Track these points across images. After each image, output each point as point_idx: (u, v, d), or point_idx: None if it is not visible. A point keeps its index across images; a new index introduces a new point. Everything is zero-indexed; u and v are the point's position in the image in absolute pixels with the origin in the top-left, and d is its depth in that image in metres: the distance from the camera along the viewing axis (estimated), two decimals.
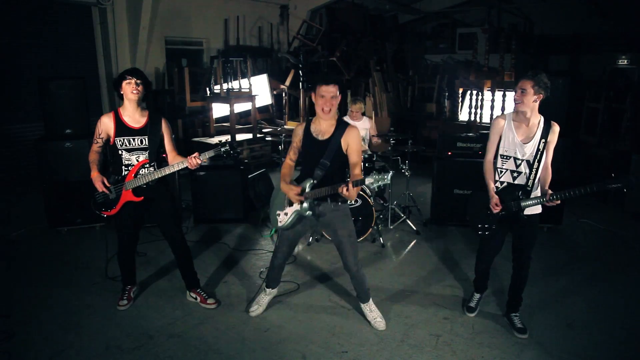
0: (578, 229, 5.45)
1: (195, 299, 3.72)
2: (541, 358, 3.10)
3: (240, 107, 8.31)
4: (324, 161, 3.09)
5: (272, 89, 9.24)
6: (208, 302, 3.68)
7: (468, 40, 10.89)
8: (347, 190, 2.82)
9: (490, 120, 7.78)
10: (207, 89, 8.20)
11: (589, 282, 4.16)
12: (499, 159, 3.24)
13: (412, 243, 5.04)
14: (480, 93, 7.95)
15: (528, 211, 3.16)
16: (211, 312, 3.61)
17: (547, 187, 3.10)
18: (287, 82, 8.94)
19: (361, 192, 4.80)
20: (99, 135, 3.39)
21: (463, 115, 8.54)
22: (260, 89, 8.85)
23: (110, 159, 3.48)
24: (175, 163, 3.38)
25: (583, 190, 2.89)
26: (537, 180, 3.16)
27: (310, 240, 4.91)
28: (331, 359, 3.08)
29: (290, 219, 3.22)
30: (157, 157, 3.50)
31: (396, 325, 3.45)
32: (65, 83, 5.10)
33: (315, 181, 3.11)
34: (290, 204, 3.22)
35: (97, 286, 3.99)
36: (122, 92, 3.34)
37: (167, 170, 3.38)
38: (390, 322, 3.49)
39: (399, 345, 3.22)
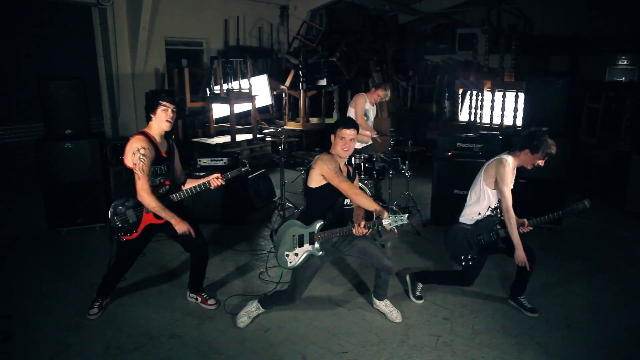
0: (578, 230, 5.45)
1: (196, 299, 3.72)
2: (541, 358, 3.10)
3: (240, 107, 8.30)
4: (339, 202, 3.23)
5: (272, 89, 9.24)
6: (208, 302, 3.68)
7: (468, 41, 10.88)
8: (361, 228, 2.99)
9: (490, 122, 7.80)
10: (207, 89, 8.19)
11: (589, 282, 4.16)
12: (488, 210, 3.53)
13: (412, 244, 5.04)
14: (480, 93, 7.95)
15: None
16: (211, 313, 3.61)
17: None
18: (287, 83, 8.93)
19: None
20: (147, 165, 3.20)
21: (463, 116, 8.55)
22: (260, 89, 8.85)
23: (127, 180, 3.36)
24: (200, 184, 3.38)
25: (550, 217, 3.38)
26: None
27: None
28: (331, 359, 3.08)
29: (301, 260, 3.25)
30: (173, 178, 3.51)
31: (396, 325, 3.46)
32: (65, 83, 5.10)
33: (325, 222, 3.20)
34: (301, 244, 3.24)
35: (97, 286, 3.98)
36: (152, 116, 3.27)
37: (191, 192, 3.40)
38: (390, 322, 3.49)
39: (399, 346, 3.22)
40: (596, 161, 6.94)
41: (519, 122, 7.18)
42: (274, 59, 10.32)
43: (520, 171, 3.57)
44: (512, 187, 3.43)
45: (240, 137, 8.04)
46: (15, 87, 7.13)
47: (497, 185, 3.43)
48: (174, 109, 3.30)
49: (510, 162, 3.42)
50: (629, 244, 5.06)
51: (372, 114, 5.69)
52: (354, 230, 3.05)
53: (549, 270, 4.39)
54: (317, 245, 3.20)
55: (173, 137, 5.43)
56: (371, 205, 3.13)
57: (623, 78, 11.05)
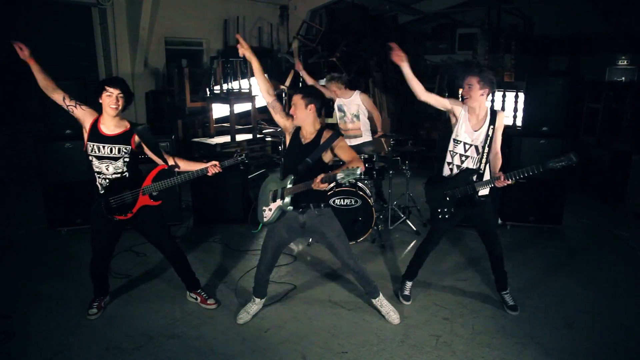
0: (578, 229, 5.45)
1: (196, 299, 3.72)
2: (541, 358, 3.10)
3: (240, 107, 8.31)
4: (307, 160, 3.16)
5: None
6: (208, 302, 3.68)
7: (468, 41, 10.88)
8: (319, 182, 2.92)
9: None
10: (207, 89, 8.19)
11: (589, 282, 4.16)
12: (451, 142, 3.47)
13: (412, 243, 5.04)
14: None
15: (480, 192, 3.40)
16: (211, 313, 3.61)
17: (496, 170, 3.37)
18: (287, 83, 8.92)
19: (361, 193, 4.81)
20: (75, 108, 3.29)
21: None
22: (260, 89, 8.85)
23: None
24: (198, 170, 3.36)
25: (530, 171, 3.09)
26: (487, 164, 3.39)
27: (311, 240, 4.91)
28: (331, 359, 3.08)
29: (273, 214, 3.25)
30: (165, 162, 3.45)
31: (396, 325, 3.46)
32: (65, 83, 5.05)
33: (295, 177, 3.15)
34: (274, 199, 3.26)
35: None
36: (100, 100, 3.23)
37: (191, 176, 3.37)
38: (389, 322, 3.49)
39: (399, 346, 3.22)
40: (596, 161, 6.94)
41: (519, 122, 7.18)
42: (273, 59, 10.32)
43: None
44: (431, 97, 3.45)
45: (240, 137, 8.04)
46: (16, 87, 7.13)
47: (454, 129, 3.44)
48: (120, 95, 3.22)
49: (465, 107, 3.42)
50: (629, 244, 5.06)
51: (350, 108, 5.51)
52: (312, 185, 2.96)
53: (549, 270, 4.39)
54: (286, 200, 3.15)
55: (173, 136, 5.46)
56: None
57: (623, 78, 11.04)
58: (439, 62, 11.68)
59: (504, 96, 7.53)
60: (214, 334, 3.34)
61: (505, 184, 3.24)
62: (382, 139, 5.72)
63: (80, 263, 4.46)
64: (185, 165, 3.45)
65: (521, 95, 7.00)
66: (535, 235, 5.23)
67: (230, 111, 7.78)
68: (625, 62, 11.17)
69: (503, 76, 7.73)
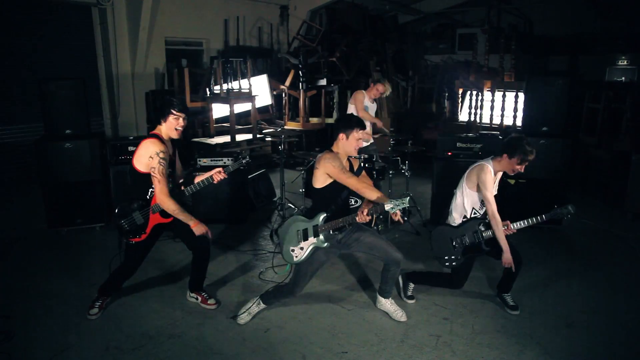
0: (578, 230, 5.45)
1: (196, 299, 3.72)
2: (541, 358, 3.10)
3: (240, 107, 8.29)
4: (343, 195, 3.26)
5: (272, 89, 9.23)
6: (208, 302, 3.68)
7: (468, 41, 10.88)
8: (364, 215, 3.03)
9: (490, 122, 7.80)
10: (207, 89, 8.18)
11: (589, 282, 4.16)
12: (480, 204, 3.58)
13: (412, 244, 5.04)
14: (480, 93, 7.95)
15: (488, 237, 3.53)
16: (211, 313, 3.61)
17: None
18: (287, 83, 8.93)
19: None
20: (166, 168, 3.23)
21: (463, 116, 8.54)
22: (260, 89, 8.84)
23: (132, 183, 3.36)
24: (203, 179, 3.39)
25: (533, 220, 3.42)
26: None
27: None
28: (331, 359, 3.08)
29: (307, 253, 3.26)
30: (174, 178, 3.51)
31: (396, 325, 3.46)
32: (65, 83, 5.10)
33: (328, 214, 3.22)
34: (306, 238, 3.26)
35: (97, 286, 3.97)
36: (162, 122, 3.27)
37: (196, 188, 3.40)
38: (390, 322, 3.49)
39: (399, 346, 3.22)
40: (596, 161, 6.94)
41: (519, 122, 7.18)
42: (273, 59, 10.32)
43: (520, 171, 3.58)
44: (495, 192, 3.50)
45: (240, 137, 8.03)
46: (15, 87, 7.12)
47: (481, 192, 3.49)
48: (185, 118, 3.30)
49: (491, 168, 3.47)
50: (629, 243, 5.06)
51: (372, 111, 5.67)
52: (357, 218, 3.06)
53: (549, 270, 4.39)
54: (321, 237, 3.22)
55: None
56: (376, 195, 3.14)
57: (623, 78, 11.04)
58: (439, 62, 11.69)
59: (504, 96, 7.52)
60: (214, 334, 3.34)
61: (511, 233, 3.47)
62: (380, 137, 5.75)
63: (80, 263, 4.46)
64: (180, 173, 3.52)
65: (521, 95, 7.00)
66: (535, 235, 5.23)
67: (230, 111, 7.77)
68: (625, 62, 11.17)
69: (503, 76, 7.72)
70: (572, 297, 3.91)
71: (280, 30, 10.61)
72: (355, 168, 3.41)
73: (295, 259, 3.29)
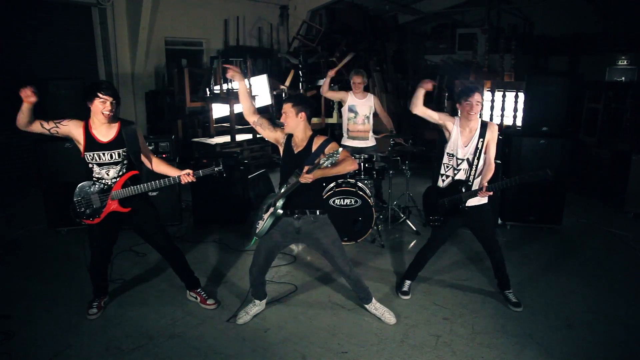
0: (578, 229, 5.45)
1: (195, 299, 3.72)
2: (541, 358, 3.10)
3: (240, 107, 8.29)
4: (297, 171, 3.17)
5: (272, 89, 9.23)
6: (208, 302, 3.68)
7: (468, 41, 10.88)
8: (305, 173, 2.96)
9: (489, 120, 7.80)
10: (207, 89, 8.19)
11: (588, 282, 4.16)
12: (445, 156, 3.60)
13: (412, 243, 5.04)
14: None
15: (470, 202, 3.51)
16: (211, 313, 3.61)
17: (484, 181, 3.39)
18: (287, 83, 8.93)
19: (361, 193, 4.81)
20: (58, 128, 3.31)
21: None
22: (260, 89, 8.85)
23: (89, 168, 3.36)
24: (170, 177, 3.35)
25: (509, 183, 3.34)
26: (477, 175, 3.50)
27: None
28: (331, 359, 3.08)
29: (266, 223, 3.23)
30: (139, 167, 3.46)
31: (396, 325, 3.46)
32: (65, 83, 5.10)
33: (287, 185, 3.18)
34: (267, 210, 3.26)
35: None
36: (90, 105, 3.21)
37: (161, 184, 3.35)
38: (386, 323, 3.49)
39: (399, 346, 3.22)
40: (596, 161, 6.94)
41: (519, 122, 7.18)
42: (273, 58, 10.32)
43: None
44: (466, 142, 3.49)
45: (240, 137, 8.05)
46: (15, 87, 7.11)
47: (446, 144, 3.57)
48: (113, 102, 3.21)
49: (457, 122, 3.53)
50: (629, 243, 5.06)
51: (362, 108, 5.48)
52: (300, 179, 3.00)
53: (549, 270, 4.39)
54: (278, 204, 3.17)
55: (173, 136, 5.46)
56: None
57: (623, 78, 11.05)
58: (439, 62, 11.69)
59: (504, 96, 7.53)
60: (214, 334, 3.34)
61: (487, 195, 3.39)
62: (387, 115, 5.67)
63: (80, 263, 4.46)
64: (164, 169, 3.45)
65: (521, 95, 7.00)
66: (535, 235, 5.23)
67: (230, 111, 7.78)
68: (625, 62, 11.18)
69: (503, 76, 7.73)
70: (572, 297, 3.91)
71: (280, 30, 10.61)
72: (315, 147, 3.21)
73: (257, 231, 3.28)
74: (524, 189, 5.19)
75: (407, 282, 3.92)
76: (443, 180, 3.62)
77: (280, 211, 3.18)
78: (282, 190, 3.18)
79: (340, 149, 2.96)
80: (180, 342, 3.24)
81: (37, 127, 3.33)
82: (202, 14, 9.11)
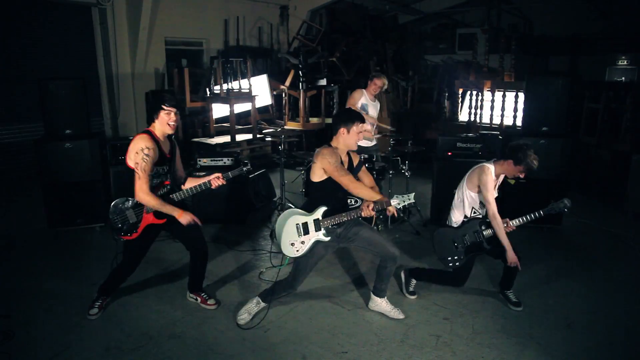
0: (578, 230, 5.45)
1: (196, 299, 3.72)
2: (541, 358, 3.10)
3: (240, 107, 8.30)
4: (341, 193, 3.26)
5: (272, 89, 9.24)
6: (208, 302, 3.68)
7: (468, 41, 10.88)
8: (369, 210, 3.06)
9: (490, 122, 7.80)
10: (207, 89, 8.19)
11: (588, 282, 4.16)
12: (478, 205, 3.65)
13: (412, 244, 5.04)
14: (480, 93, 7.95)
15: (487, 234, 3.60)
16: (211, 313, 3.61)
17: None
18: (287, 83, 8.93)
19: None
20: (150, 165, 3.18)
21: (463, 116, 8.55)
22: (260, 89, 8.85)
23: (129, 181, 3.32)
24: (201, 183, 3.38)
25: (532, 216, 3.52)
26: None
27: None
28: (331, 359, 3.08)
29: (308, 247, 3.26)
30: (174, 178, 3.51)
31: (396, 325, 3.46)
32: (65, 83, 5.10)
33: (328, 208, 3.23)
34: (306, 232, 3.25)
35: (97, 286, 3.97)
36: (156, 119, 3.24)
37: (192, 191, 3.40)
38: (390, 322, 3.49)
39: (399, 346, 3.22)
40: (596, 161, 6.94)
41: (519, 122, 7.18)
42: (273, 58, 10.33)
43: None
44: (496, 194, 3.54)
45: (240, 137, 8.04)
46: (15, 87, 7.12)
47: (481, 193, 3.54)
48: (177, 112, 3.28)
49: (492, 171, 3.52)
50: (629, 243, 5.06)
51: (372, 109, 5.55)
52: (362, 213, 3.07)
53: (549, 270, 4.39)
54: (323, 231, 3.22)
55: (173, 136, 5.45)
56: (373, 196, 3.16)
57: (623, 78, 11.05)
58: (438, 63, 11.69)
59: (504, 96, 7.53)
60: (214, 334, 3.34)
61: (510, 230, 3.53)
62: (380, 138, 5.71)
63: (80, 263, 4.46)
64: (191, 182, 3.51)
65: (521, 95, 7.00)
66: (535, 235, 5.23)
67: (230, 111, 7.78)
68: (625, 62, 11.17)
69: (503, 76, 7.72)
70: (572, 297, 3.91)
71: (280, 30, 10.61)
72: (355, 163, 3.40)
73: (296, 253, 3.27)
74: (524, 189, 5.19)
75: (414, 282, 3.93)
76: (458, 221, 3.67)
77: (328, 239, 3.25)
78: (323, 216, 3.22)
79: (413, 194, 3.07)
80: (180, 342, 3.24)
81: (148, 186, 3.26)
82: (202, 14, 9.11)
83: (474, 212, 3.64)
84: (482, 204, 3.59)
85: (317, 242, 3.27)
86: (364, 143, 5.45)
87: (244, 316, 3.46)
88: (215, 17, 9.35)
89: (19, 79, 7.12)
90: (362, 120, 3.28)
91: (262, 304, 3.52)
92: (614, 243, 5.12)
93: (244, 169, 3.39)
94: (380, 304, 3.58)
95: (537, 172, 4.82)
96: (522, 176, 3.49)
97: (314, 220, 3.24)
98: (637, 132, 6.65)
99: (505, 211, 5.33)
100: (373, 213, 3.08)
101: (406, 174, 5.65)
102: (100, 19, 7.94)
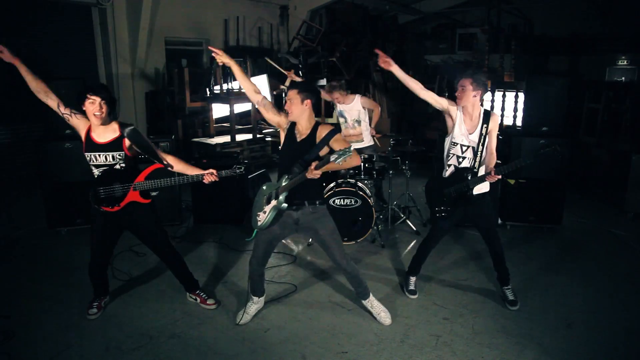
0: (578, 229, 5.45)
1: (195, 300, 3.72)
2: (541, 358, 3.10)
3: (240, 107, 8.30)
4: (307, 156, 3.12)
5: (272, 89, 9.23)
6: (208, 302, 3.68)
7: (468, 41, 10.88)
8: (313, 169, 2.92)
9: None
10: (207, 89, 8.19)
11: (588, 282, 4.16)
12: (449, 144, 3.59)
13: (412, 243, 5.04)
14: None
15: (476, 190, 3.51)
16: (211, 313, 3.61)
17: (490, 167, 3.43)
18: (287, 83, 8.90)
19: (361, 193, 4.81)
20: (70, 117, 3.32)
21: None
22: (260, 89, 8.84)
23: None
24: (194, 175, 3.34)
25: (520, 162, 3.37)
26: (481, 163, 3.50)
27: (310, 240, 4.91)
28: (331, 359, 3.08)
29: (268, 216, 3.19)
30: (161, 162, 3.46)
31: (396, 325, 3.46)
32: (65, 83, 5.09)
33: (290, 176, 3.12)
34: (268, 202, 3.21)
35: None
36: (83, 109, 3.23)
37: (183, 180, 3.36)
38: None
39: (399, 345, 3.22)
40: (596, 161, 6.94)
41: (519, 122, 7.18)
42: (273, 58, 10.32)
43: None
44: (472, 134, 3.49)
45: (240, 137, 8.04)
46: (15, 87, 7.11)
47: (450, 134, 3.56)
48: (103, 102, 3.20)
49: (460, 109, 3.53)
50: (629, 243, 5.06)
51: (350, 114, 5.48)
52: (307, 174, 2.96)
53: (549, 270, 4.39)
54: (281, 197, 3.12)
55: (173, 136, 5.46)
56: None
57: (623, 78, 11.03)
58: (439, 62, 11.69)
59: (504, 96, 7.53)
60: (214, 334, 3.34)
61: (496, 179, 3.39)
62: (378, 136, 5.72)
63: (80, 263, 4.46)
64: (182, 167, 3.41)
65: (521, 95, 7.00)
66: (535, 235, 5.23)
67: (230, 111, 7.78)
68: (625, 62, 11.15)
69: (503, 76, 7.73)
70: (572, 297, 3.91)
71: (280, 30, 10.61)
72: (320, 137, 3.17)
73: (259, 224, 3.24)
74: (524, 189, 5.19)
75: (413, 280, 3.92)
76: (446, 170, 3.61)
77: (284, 205, 3.13)
78: (285, 183, 3.12)
79: (352, 147, 2.90)
80: (180, 342, 3.24)
81: (53, 103, 3.36)
82: (202, 14, 9.11)
83: (455, 158, 3.55)
84: (454, 144, 3.54)
85: (276, 211, 3.17)
86: (356, 145, 5.47)
87: (242, 315, 3.47)
88: (215, 17, 9.35)
89: (19, 79, 7.10)
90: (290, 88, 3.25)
91: (256, 299, 3.52)
92: (614, 243, 5.12)
93: (237, 170, 3.34)
94: (366, 306, 3.55)
95: (536, 172, 4.85)
96: (459, 95, 3.44)
97: (275, 189, 3.19)
98: (637, 132, 6.65)
99: (505, 211, 5.37)
100: (317, 173, 2.94)
101: (406, 174, 5.65)
102: (100, 19, 7.94)
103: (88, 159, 3.30)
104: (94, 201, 3.31)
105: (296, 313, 3.62)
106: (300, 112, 3.17)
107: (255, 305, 3.54)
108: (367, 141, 5.59)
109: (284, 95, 8.73)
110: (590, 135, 7.22)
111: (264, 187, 3.33)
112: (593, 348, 3.21)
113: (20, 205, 6.28)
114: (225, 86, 8.03)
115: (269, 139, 8.20)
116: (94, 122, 3.26)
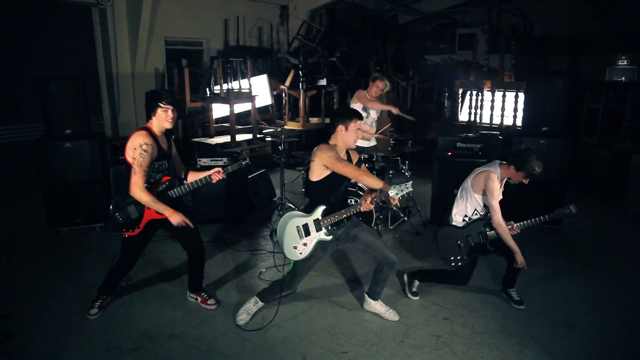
0: (578, 229, 5.45)
1: (196, 299, 3.72)
2: (541, 358, 3.10)
3: (240, 107, 8.30)
4: (343, 188, 3.22)
5: (272, 89, 9.23)
6: (208, 302, 3.68)
7: (468, 41, 10.88)
8: (368, 203, 3.01)
9: (490, 122, 7.80)
10: (207, 89, 8.19)
11: (588, 283, 4.16)
12: (480, 207, 3.66)
13: (412, 243, 5.04)
14: (480, 93, 7.95)
15: (491, 237, 3.62)
16: (211, 313, 3.61)
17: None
18: (287, 83, 8.93)
19: (361, 193, 4.81)
20: (147, 161, 3.21)
21: (463, 116, 8.55)
22: (260, 89, 8.85)
23: (127, 177, 3.31)
24: (201, 178, 3.39)
25: (537, 220, 3.49)
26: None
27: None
28: (331, 359, 3.08)
29: (311, 249, 3.22)
30: (174, 174, 3.53)
31: (396, 325, 3.46)
32: (65, 83, 5.10)
33: (327, 207, 3.19)
34: (307, 233, 3.21)
35: (97, 286, 3.98)
36: (152, 116, 3.28)
37: (192, 186, 3.40)
38: (390, 322, 3.49)
39: (399, 345, 3.22)
40: (596, 161, 6.94)
41: (519, 122, 7.18)
42: (273, 59, 10.32)
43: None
44: (500, 197, 3.54)
45: (240, 137, 8.04)
46: (15, 87, 7.12)
47: (486, 198, 3.57)
48: (174, 109, 3.31)
49: (498, 176, 3.53)
50: (629, 243, 5.06)
51: (373, 111, 5.61)
52: (361, 207, 3.03)
53: (549, 270, 4.39)
54: (324, 230, 3.18)
55: (173, 137, 5.45)
56: (377, 183, 3.07)
57: (623, 78, 11.03)
58: (439, 62, 11.69)
59: (504, 96, 7.53)
60: (214, 334, 3.34)
61: (515, 233, 3.53)
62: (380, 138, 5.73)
63: (80, 263, 4.46)
64: (192, 176, 3.50)
65: (521, 95, 7.00)
66: (535, 235, 5.23)
67: (230, 111, 7.77)
68: (625, 62, 11.15)
69: (503, 76, 7.73)
70: (572, 297, 3.91)
71: (280, 30, 10.61)
72: (354, 161, 3.34)
73: (300, 256, 3.23)
74: (524, 189, 5.18)
75: (417, 283, 3.93)
76: (463, 222, 3.68)
77: (330, 237, 3.21)
78: (323, 215, 3.17)
79: (410, 182, 2.99)
80: (180, 342, 3.24)
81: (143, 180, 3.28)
82: (202, 14, 9.10)
83: (475, 213, 3.65)
84: (485, 207, 3.62)
85: (319, 243, 3.24)
86: (363, 143, 5.45)
87: (242, 316, 3.46)
88: (215, 17, 9.35)
89: (19, 79, 7.12)
90: (360, 118, 3.23)
91: (260, 304, 3.51)
92: (614, 243, 5.12)
93: (243, 162, 3.41)
94: (375, 306, 3.58)
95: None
96: (525, 181, 3.49)
97: (314, 220, 3.20)
98: (637, 132, 6.65)
99: (504, 211, 5.36)
100: (372, 206, 3.02)
101: (406, 174, 5.65)
102: (100, 19, 7.94)
103: (157, 167, 3.33)
104: (113, 229, 3.34)
105: (296, 313, 3.62)
106: (343, 138, 3.22)
107: (255, 305, 3.54)
108: (373, 142, 5.60)
109: (283, 95, 8.78)
110: (590, 135, 7.22)
111: (292, 218, 3.26)
112: (593, 348, 3.21)
113: (20, 205, 6.28)
114: (225, 86, 8.03)
115: (269, 139, 8.20)
116: (166, 127, 3.34)
